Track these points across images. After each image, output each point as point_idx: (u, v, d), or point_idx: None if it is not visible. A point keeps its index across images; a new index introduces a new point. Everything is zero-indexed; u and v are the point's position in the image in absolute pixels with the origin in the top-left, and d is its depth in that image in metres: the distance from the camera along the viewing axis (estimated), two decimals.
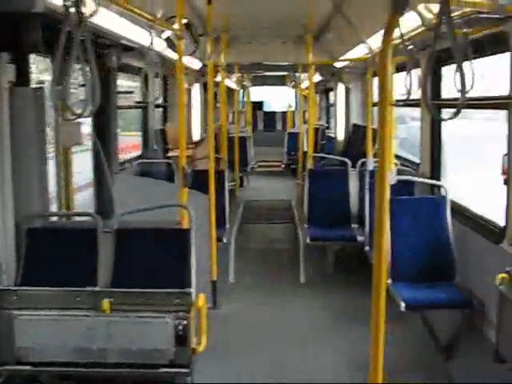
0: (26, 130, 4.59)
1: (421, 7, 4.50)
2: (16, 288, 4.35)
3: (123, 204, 5.72)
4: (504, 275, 4.24)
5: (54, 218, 5.27)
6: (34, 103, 4.60)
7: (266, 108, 25.35)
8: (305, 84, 14.10)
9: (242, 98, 21.52)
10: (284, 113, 22.44)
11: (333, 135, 14.99)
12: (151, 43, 5.45)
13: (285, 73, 19.36)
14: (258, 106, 23.78)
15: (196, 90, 13.99)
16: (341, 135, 13.88)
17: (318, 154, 10.58)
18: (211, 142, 7.28)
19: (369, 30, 7.39)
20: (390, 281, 5.66)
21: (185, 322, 4.07)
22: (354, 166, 8.49)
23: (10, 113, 4.53)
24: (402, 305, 5.08)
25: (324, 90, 19.31)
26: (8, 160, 4.51)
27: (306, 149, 12.56)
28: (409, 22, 4.88)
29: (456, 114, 2.73)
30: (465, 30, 4.06)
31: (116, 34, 6.02)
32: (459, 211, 6.15)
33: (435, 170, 7.06)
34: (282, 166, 17.57)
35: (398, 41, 4.73)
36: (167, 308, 4.10)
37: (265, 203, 12.36)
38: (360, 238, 7.66)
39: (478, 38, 4.06)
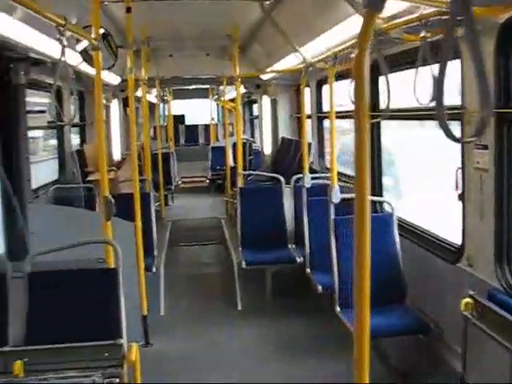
0: None
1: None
2: None
3: (38, 240, 5.03)
4: (468, 300, 3.95)
5: None
6: None
7: (188, 121, 24.68)
8: (227, 96, 13.63)
9: (162, 112, 20.84)
10: (206, 126, 21.90)
11: (258, 149, 14.58)
12: (62, 55, 4.78)
13: (207, 86, 18.86)
14: (179, 119, 23.09)
15: (115, 106, 13.25)
16: (267, 149, 13.49)
17: (247, 172, 10.05)
18: (134, 163, 6.64)
19: (302, 39, 7.00)
20: (338, 308, 5.25)
21: (117, 379, 3.46)
22: (287, 183, 8.05)
23: None
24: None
25: (248, 102, 18.92)
26: None
27: (231, 163, 12.22)
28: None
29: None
30: (423, 34, 3.68)
31: (23, 46, 5.34)
32: (410, 230, 5.82)
33: (376, 186, 6.73)
34: (207, 181, 16.98)
35: (338, 48, 4.37)
36: (95, 364, 3.49)
37: (193, 222, 11.79)
38: (299, 259, 7.22)
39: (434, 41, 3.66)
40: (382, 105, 6.49)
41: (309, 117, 11.51)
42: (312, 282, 6.50)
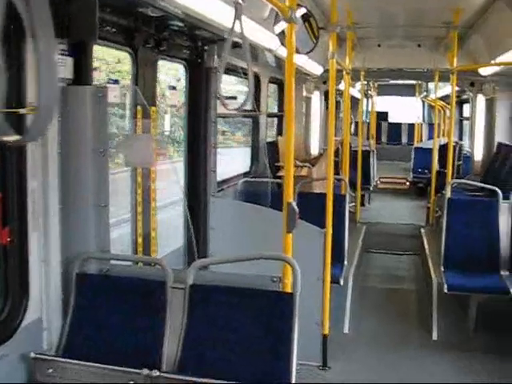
0: (81, 142, 3.46)
1: None
2: (51, 357, 3.22)
3: (216, 239, 4.49)
4: None
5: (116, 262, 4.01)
6: (94, 108, 3.47)
7: (391, 119, 23.52)
8: (435, 94, 12.37)
9: (365, 108, 20.02)
10: (411, 125, 20.68)
11: (467, 154, 13.09)
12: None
13: (414, 82, 17.66)
14: (382, 116, 22.03)
15: (316, 98, 12.63)
16: (478, 155, 12.02)
17: (458, 180, 8.79)
18: (330, 160, 5.84)
19: None
20: None
21: None
22: (505, 197, 6.78)
23: (62, 121, 3.42)
24: None
25: (458, 101, 17.38)
26: (54, 180, 3.40)
27: (437, 167, 11.05)
28: None
29: None
30: None
31: (218, 26, 4.83)
32: None
33: None
34: (407, 183, 15.92)
35: None
36: None
37: (389, 227, 10.87)
38: None
39: None
40: None
41: None
42: None
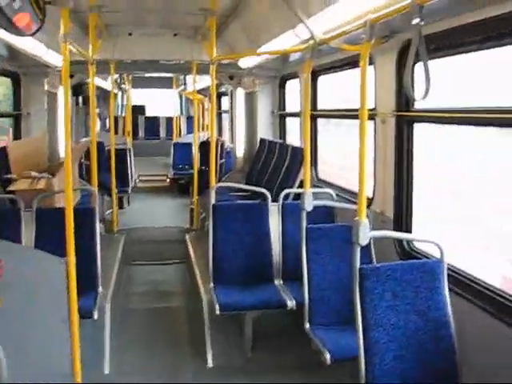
0: None
1: None
2: None
3: None
4: None
5: None
6: None
7: (148, 113, 22.65)
8: (194, 86, 11.81)
9: (120, 102, 18.94)
10: (169, 118, 20.01)
11: (228, 149, 12.73)
12: None
13: (171, 74, 16.98)
14: (139, 110, 21.06)
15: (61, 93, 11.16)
16: (239, 150, 11.68)
17: (224, 184, 8.09)
18: (68, 170, 4.58)
19: (307, 8, 5.18)
20: None
21: None
22: (274, 200, 6.27)
23: None
24: None
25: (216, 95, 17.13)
26: None
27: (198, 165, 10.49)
28: None
29: None
30: None
31: None
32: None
33: (407, 215, 5.04)
34: (168, 180, 15.27)
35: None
36: None
37: (152, 233, 10.04)
38: (290, 303, 5.45)
39: None
40: None
41: (292, 115, 9.79)
42: (314, 342, 4.69)
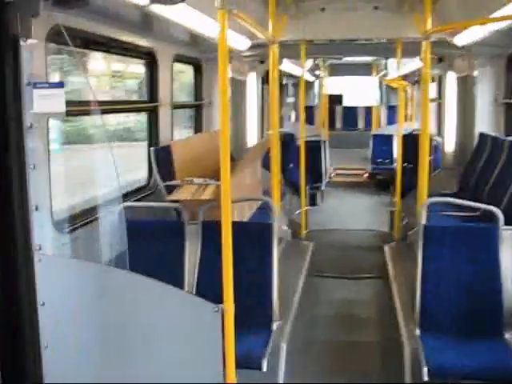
0: None
1: None
2: None
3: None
4: None
5: None
6: None
7: (345, 103, 21.45)
8: (396, 73, 10.32)
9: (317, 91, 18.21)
10: (368, 108, 18.73)
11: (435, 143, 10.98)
12: None
13: (370, 58, 15.71)
14: (336, 99, 19.86)
15: (252, 81, 10.19)
16: (450, 147, 9.91)
17: (437, 199, 5.98)
18: (226, 178, 3.31)
19: None
20: None
21: None
22: (508, 223, 4.55)
23: None
24: None
25: (418, 81, 15.50)
26: None
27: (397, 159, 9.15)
28: None
29: None
30: None
31: None
32: None
33: None
34: (365, 175, 14.27)
35: None
36: None
37: (346, 238, 9.40)
38: None
39: None
40: None
41: None
42: None
